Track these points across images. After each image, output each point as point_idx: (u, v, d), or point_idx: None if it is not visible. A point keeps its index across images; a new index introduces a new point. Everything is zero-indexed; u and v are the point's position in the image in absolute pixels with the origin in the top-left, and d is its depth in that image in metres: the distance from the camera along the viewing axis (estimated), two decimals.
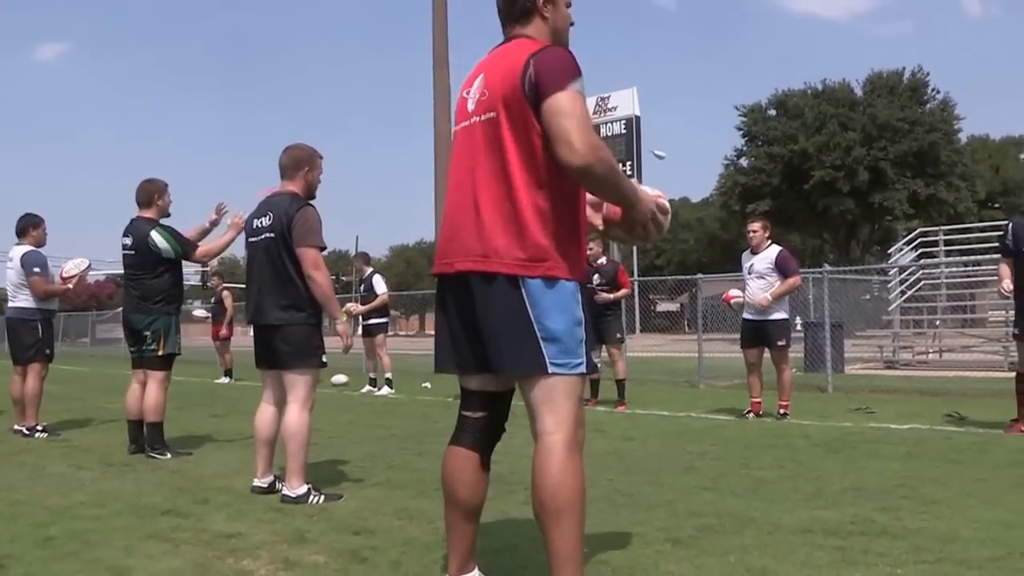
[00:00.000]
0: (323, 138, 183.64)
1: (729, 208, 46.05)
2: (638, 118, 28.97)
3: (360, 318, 13.39)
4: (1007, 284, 7.59)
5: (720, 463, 6.28)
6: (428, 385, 14.20)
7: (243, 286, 5.84)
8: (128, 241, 6.94)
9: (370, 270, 13.63)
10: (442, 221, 3.09)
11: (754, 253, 9.21)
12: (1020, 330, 7.61)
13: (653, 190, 3.13)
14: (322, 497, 5.02)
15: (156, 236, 6.82)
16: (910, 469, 5.88)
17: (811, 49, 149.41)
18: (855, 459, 6.37)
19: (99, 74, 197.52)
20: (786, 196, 42.27)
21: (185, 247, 6.93)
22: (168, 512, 4.78)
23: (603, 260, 10.42)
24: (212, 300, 17.22)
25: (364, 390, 13.56)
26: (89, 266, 8.50)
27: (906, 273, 19.84)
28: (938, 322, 19.37)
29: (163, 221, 7.03)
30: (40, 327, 8.30)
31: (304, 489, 5.03)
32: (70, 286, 8.32)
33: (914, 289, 19.82)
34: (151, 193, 7.03)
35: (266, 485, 5.32)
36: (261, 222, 5.27)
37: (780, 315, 9.05)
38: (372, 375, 13.73)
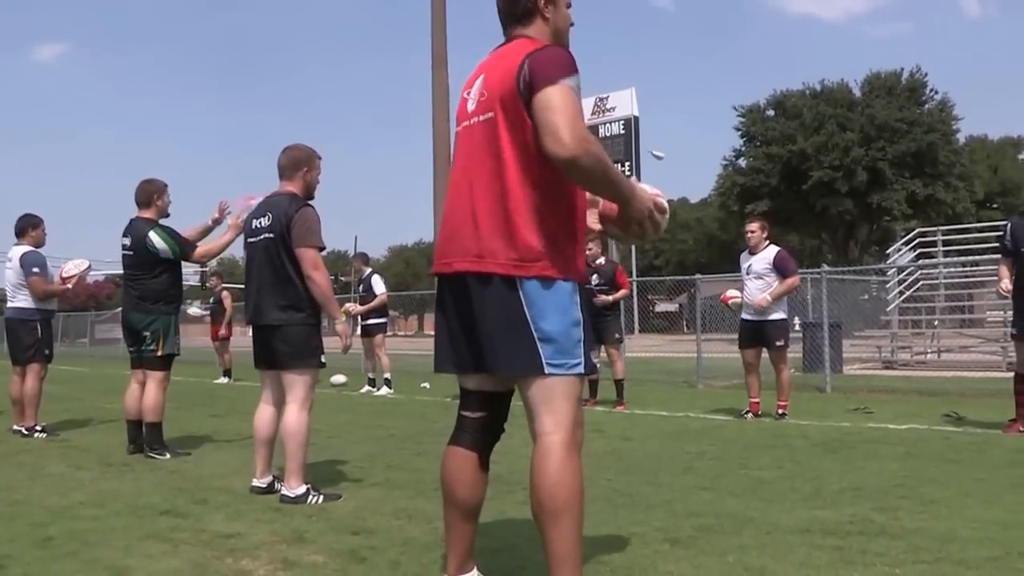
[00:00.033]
0: (322, 138, 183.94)
1: (728, 208, 46.08)
2: (637, 118, 29.03)
3: (359, 318, 13.40)
4: (1005, 284, 7.60)
5: (719, 463, 6.28)
6: (427, 385, 14.20)
7: (242, 286, 5.85)
8: (127, 241, 6.95)
9: (369, 270, 13.64)
10: (441, 221, 3.09)
11: (752, 253, 9.22)
12: (1018, 330, 7.62)
13: (651, 188, 3.11)
14: (321, 497, 5.03)
15: (154, 236, 6.82)
16: (908, 469, 5.89)
17: (809, 50, 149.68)
18: (853, 459, 6.37)
19: (98, 74, 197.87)
20: (784, 196, 42.29)
21: (184, 248, 6.92)
22: (167, 512, 4.79)
23: (602, 260, 10.43)
24: (211, 300, 17.22)
25: (363, 390, 13.56)
26: (89, 267, 8.49)
27: (904, 273, 19.85)
28: (936, 322, 19.38)
29: (162, 221, 7.02)
30: (39, 327, 8.30)
31: (303, 489, 5.04)
32: (69, 286, 8.32)
33: (912, 289, 19.82)
34: (150, 193, 7.03)
35: (265, 485, 5.32)
36: (260, 222, 5.27)
37: (779, 315, 9.05)
38: (371, 375, 13.74)
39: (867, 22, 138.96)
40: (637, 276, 37.70)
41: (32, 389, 8.24)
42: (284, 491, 5.07)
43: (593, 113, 29.33)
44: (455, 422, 3.12)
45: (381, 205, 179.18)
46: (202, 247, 7.05)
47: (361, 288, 13.57)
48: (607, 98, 29.57)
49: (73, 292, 8.76)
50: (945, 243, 22.16)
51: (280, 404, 5.32)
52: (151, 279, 6.88)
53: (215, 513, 4.77)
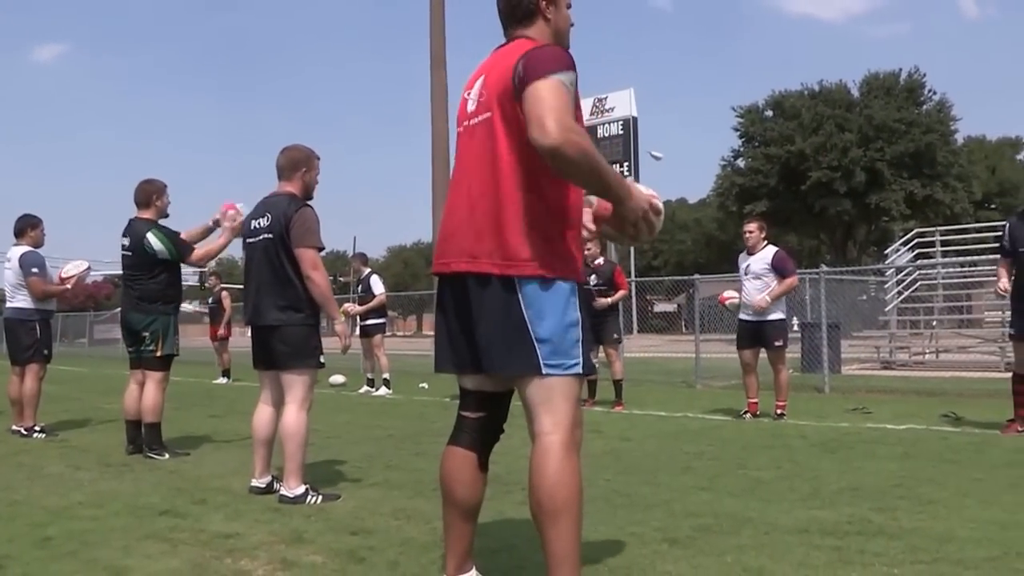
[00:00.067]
0: (321, 139, 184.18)
1: (726, 209, 46.15)
2: (635, 119, 29.04)
3: (358, 319, 13.41)
4: (1003, 283, 7.61)
5: (717, 463, 6.29)
6: (425, 385, 14.21)
7: (241, 287, 5.85)
8: (126, 242, 6.95)
9: (367, 271, 13.66)
10: (441, 221, 3.10)
11: (750, 254, 9.22)
12: (1017, 330, 7.62)
13: (646, 189, 3.07)
14: (320, 497, 5.03)
15: (152, 237, 6.82)
16: (907, 469, 5.89)
17: (808, 50, 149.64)
18: (852, 459, 6.38)
19: (98, 75, 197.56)
20: (783, 197, 42.35)
21: (181, 249, 6.91)
22: (166, 512, 4.79)
23: (600, 261, 10.43)
24: (210, 300, 17.22)
25: (362, 390, 13.56)
26: (88, 269, 8.49)
27: (903, 274, 19.86)
28: (935, 323, 19.39)
29: (161, 222, 7.02)
30: (38, 328, 8.29)
31: (302, 489, 5.04)
32: (68, 286, 8.32)
33: (911, 290, 19.84)
34: (149, 194, 7.03)
35: (264, 485, 5.32)
36: (259, 223, 5.28)
37: (777, 315, 9.06)
38: (370, 375, 13.74)
39: (865, 22, 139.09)
40: (636, 276, 37.75)
41: (31, 389, 8.24)
42: (283, 491, 5.07)
43: (592, 114, 29.34)
44: (454, 422, 3.13)
45: (380, 206, 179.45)
46: (199, 250, 7.04)
47: (360, 288, 13.58)
48: (605, 99, 29.57)
49: (72, 292, 8.76)
50: (943, 243, 22.18)
51: (279, 404, 5.32)
52: (150, 279, 6.88)
53: (214, 513, 4.77)
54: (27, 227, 8.37)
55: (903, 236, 23.70)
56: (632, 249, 44.70)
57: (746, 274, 9.16)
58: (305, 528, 4.38)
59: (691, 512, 4.62)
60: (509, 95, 2.76)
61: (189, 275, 36.25)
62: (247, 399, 9.26)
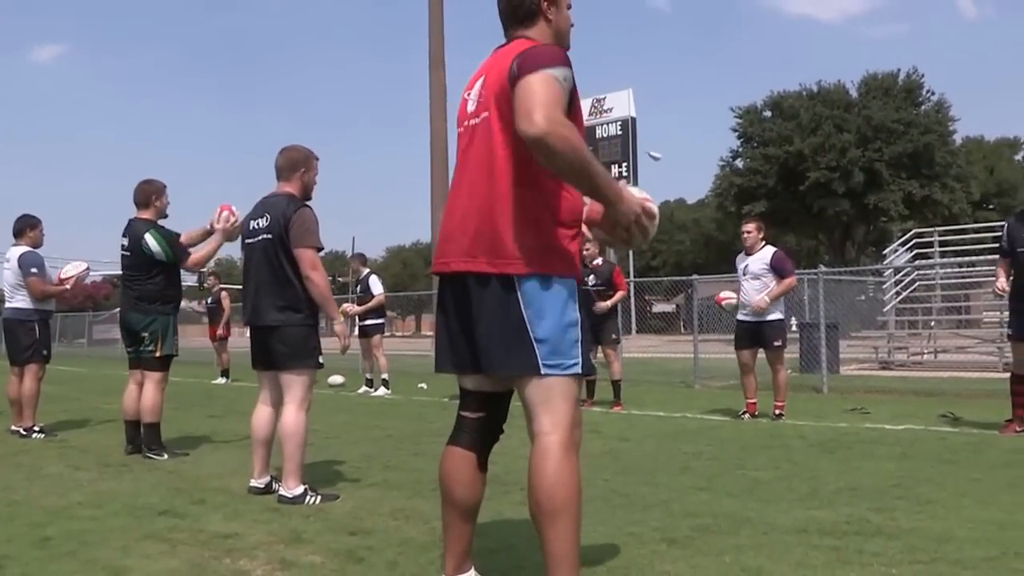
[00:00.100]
0: (320, 139, 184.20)
1: (725, 209, 46.26)
2: (634, 119, 29.06)
3: (356, 319, 13.41)
4: (1001, 283, 7.63)
5: (716, 463, 6.30)
6: (424, 386, 14.21)
7: (240, 287, 5.85)
8: (125, 242, 6.95)
9: (366, 271, 13.67)
10: (441, 221, 3.10)
11: (748, 254, 9.23)
12: (1015, 331, 7.64)
13: (640, 193, 3.00)
14: (319, 497, 5.03)
15: (150, 239, 6.81)
16: (905, 469, 5.90)
17: (806, 51, 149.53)
18: (850, 459, 6.39)
19: (98, 75, 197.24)
20: (781, 197, 42.43)
21: (178, 253, 6.89)
22: (165, 512, 4.79)
23: (599, 261, 10.43)
24: (209, 300, 17.22)
25: (361, 391, 13.56)
26: (87, 269, 8.50)
27: (901, 274, 19.87)
28: (933, 323, 19.39)
29: (161, 222, 7.03)
30: (37, 328, 8.29)
31: (301, 489, 5.04)
32: (68, 287, 8.32)
33: (909, 290, 19.85)
34: (148, 194, 7.03)
35: (263, 485, 5.32)
36: (258, 223, 5.28)
37: (776, 316, 9.06)
38: (369, 376, 13.74)
39: (864, 23, 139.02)
40: (634, 277, 37.77)
41: (30, 389, 8.24)
42: (282, 491, 5.07)
43: (590, 114, 29.35)
44: (454, 422, 3.13)
45: (379, 206, 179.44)
46: (195, 254, 7.02)
47: (359, 288, 13.59)
48: (604, 99, 29.58)
49: (71, 293, 8.76)
50: (942, 244, 22.19)
51: (278, 404, 5.32)
52: (148, 280, 6.88)
53: (213, 513, 4.77)
54: (26, 227, 8.37)
55: (901, 236, 23.73)
56: (631, 250, 44.68)
57: (744, 274, 9.17)
58: (304, 528, 4.38)
59: (689, 512, 4.62)
60: (506, 94, 2.76)
61: (188, 275, 36.25)
62: (246, 399, 9.26)
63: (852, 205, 41.23)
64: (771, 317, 8.99)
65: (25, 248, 8.26)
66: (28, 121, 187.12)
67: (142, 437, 6.87)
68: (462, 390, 3.12)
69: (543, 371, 2.78)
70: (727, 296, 9.54)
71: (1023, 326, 7.51)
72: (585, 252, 9.64)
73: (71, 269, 8.32)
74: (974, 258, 20.42)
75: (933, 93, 43.01)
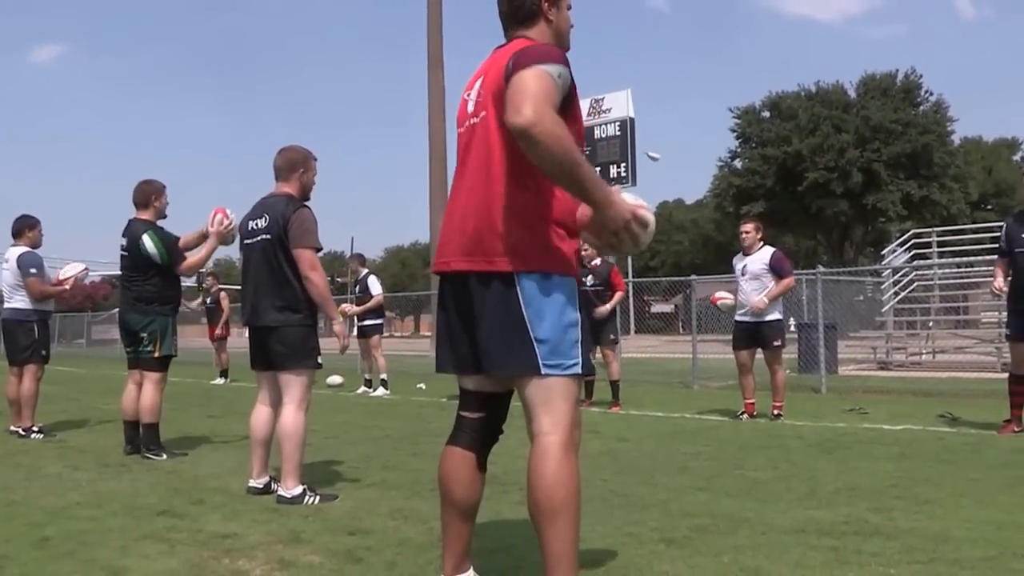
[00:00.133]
0: (319, 140, 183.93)
1: (723, 210, 46.22)
2: (632, 120, 28.97)
3: (355, 319, 13.41)
4: (998, 283, 7.66)
5: (714, 464, 6.30)
6: (423, 386, 14.21)
7: (238, 287, 5.85)
8: (124, 242, 6.95)
9: (365, 271, 13.67)
10: (442, 222, 3.11)
11: (746, 254, 9.24)
12: (1013, 331, 7.66)
13: (633, 199, 2.91)
14: (317, 498, 5.03)
15: (147, 240, 6.81)
16: (903, 469, 5.91)
17: (805, 51, 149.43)
18: (848, 459, 6.39)
19: (97, 76, 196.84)
20: (780, 198, 42.41)
21: (174, 257, 6.87)
22: (164, 512, 4.79)
23: (597, 261, 10.43)
24: (208, 301, 17.21)
25: (359, 391, 13.57)
26: (86, 270, 8.51)
27: (899, 274, 19.88)
28: (931, 323, 19.40)
29: (160, 223, 7.03)
30: (36, 328, 8.29)
31: (300, 490, 5.04)
32: (67, 287, 8.33)
33: (907, 290, 19.86)
34: (148, 194, 7.03)
35: (262, 486, 5.32)
36: (257, 223, 5.28)
37: (775, 316, 9.07)
38: (367, 376, 13.75)
39: (862, 23, 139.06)
40: (633, 277, 37.73)
41: (29, 390, 8.24)
42: (280, 491, 5.07)
43: (589, 115, 29.31)
44: (454, 422, 3.13)
45: (377, 206, 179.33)
46: (189, 259, 7.00)
47: (357, 289, 13.59)
48: (602, 99, 29.49)
49: (70, 293, 8.76)
50: (940, 244, 22.19)
51: (277, 405, 5.32)
52: (147, 281, 6.88)
53: (212, 513, 4.77)
54: (25, 228, 8.37)
55: (900, 237, 23.74)
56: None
57: (743, 274, 9.17)
58: (303, 528, 4.38)
59: (688, 512, 4.63)
60: (503, 93, 2.75)
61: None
62: (245, 400, 9.26)
63: (850, 205, 41.21)
64: (770, 317, 9.00)
65: (24, 248, 8.26)
66: (27, 121, 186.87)
67: (141, 437, 6.87)
68: (462, 390, 3.12)
69: (543, 371, 2.78)
70: (723, 296, 9.54)
71: (1021, 326, 7.53)
72: (583, 252, 9.64)
73: (70, 270, 8.33)
74: (972, 258, 20.44)
75: (931, 94, 43.02)
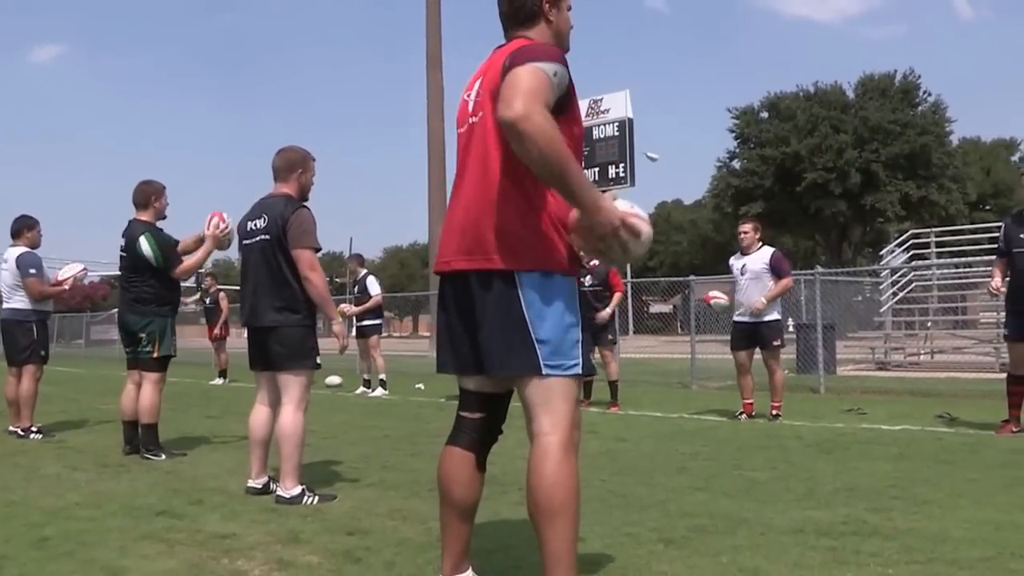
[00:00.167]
0: (318, 140, 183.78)
1: (722, 210, 46.23)
2: (631, 120, 28.96)
3: (354, 319, 13.41)
4: (995, 282, 7.68)
5: (713, 464, 6.31)
6: (421, 386, 14.22)
7: (237, 288, 5.85)
8: (123, 243, 6.95)
9: (364, 271, 13.68)
10: (443, 223, 3.11)
11: (745, 254, 9.24)
12: (1011, 331, 7.67)
13: (627, 207, 2.85)
14: (316, 498, 5.03)
15: (143, 242, 6.80)
16: (901, 470, 5.91)
17: (803, 52, 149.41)
18: (847, 460, 6.40)
19: (96, 76, 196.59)
20: (778, 198, 42.44)
21: (170, 260, 6.85)
22: (163, 513, 4.79)
23: (596, 261, 10.41)
24: (207, 301, 17.21)
25: (358, 391, 13.56)
26: (85, 270, 8.52)
27: (898, 275, 19.91)
28: (930, 323, 19.43)
29: (160, 224, 7.03)
30: (35, 328, 8.29)
31: (298, 490, 5.05)
32: (66, 287, 8.33)
33: (906, 291, 19.88)
34: (148, 195, 7.03)
35: (260, 486, 5.32)
36: (256, 224, 5.28)
37: (773, 316, 9.09)
38: (366, 376, 13.75)
39: (861, 24, 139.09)
40: (631, 277, 37.73)
41: (28, 390, 8.24)
42: (279, 492, 5.07)
43: (587, 115, 29.28)
44: (453, 422, 3.13)
45: (376, 206, 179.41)
46: (185, 262, 6.99)
47: (356, 289, 13.60)
48: (601, 100, 29.47)
49: (69, 293, 8.76)
50: (938, 244, 22.23)
51: (275, 405, 5.32)
52: (145, 282, 6.88)
53: (211, 514, 4.77)
54: (24, 228, 8.38)
55: (898, 237, 23.76)
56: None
57: (743, 274, 9.17)
58: (301, 528, 4.38)
59: (687, 512, 4.63)
60: (499, 91, 2.76)
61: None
62: (244, 400, 9.26)
63: (849, 206, 41.26)
64: (768, 317, 9.01)
65: (23, 249, 8.26)
66: (27, 121, 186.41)
67: (140, 438, 6.87)
68: (462, 391, 3.12)
69: (544, 371, 2.78)
70: (716, 296, 9.52)
71: (1019, 327, 7.54)
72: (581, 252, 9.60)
73: (69, 270, 8.34)
74: (971, 259, 20.47)
75: (930, 94, 43.08)
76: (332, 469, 6.20)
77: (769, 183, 42.32)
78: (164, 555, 3.94)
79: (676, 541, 4.02)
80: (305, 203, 5.38)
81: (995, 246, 8.13)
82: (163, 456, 6.76)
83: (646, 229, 2.85)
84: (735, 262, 9.35)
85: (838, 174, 40.25)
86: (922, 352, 18.71)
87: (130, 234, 6.90)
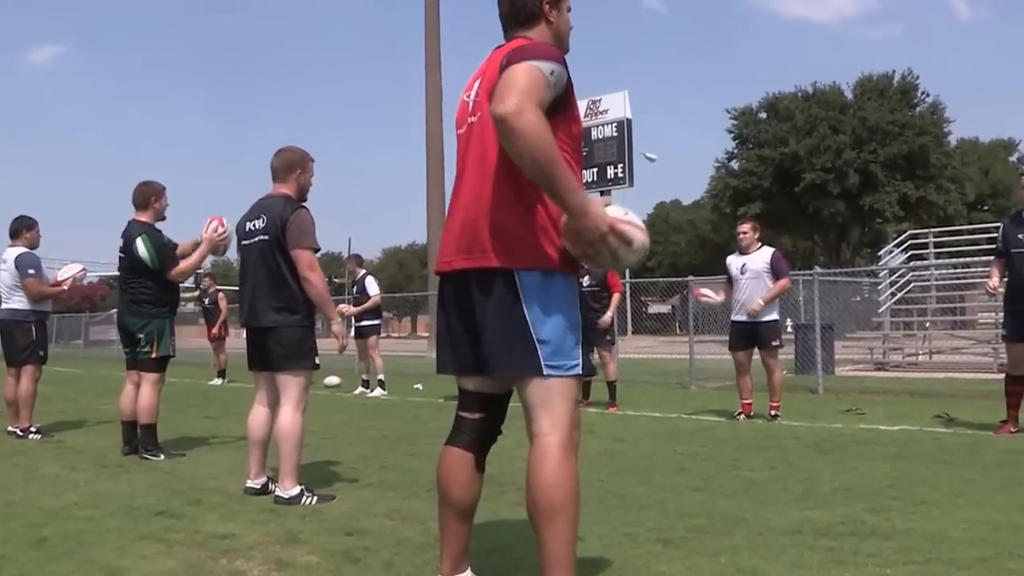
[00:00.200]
0: (317, 140, 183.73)
1: (720, 210, 46.23)
2: (629, 121, 28.99)
3: (352, 320, 13.41)
4: (993, 282, 7.69)
5: (711, 464, 6.31)
6: (420, 386, 14.22)
7: (236, 288, 5.85)
8: (121, 244, 6.95)
9: (363, 272, 13.68)
10: (444, 223, 3.11)
11: (744, 254, 9.24)
12: (1009, 332, 7.68)
13: (624, 215, 2.82)
14: (315, 498, 5.04)
15: (140, 244, 6.80)
16: (900, 470, 5.92)
17: (802, 53, 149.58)
18: (845, 460, 6.40)
19: (95, 76, 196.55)
20: (777, 198, 42.45)
21: (165, 263, 6.83)
22: (162, 513, 4.79)
23: None
24: (206, 302, 17.21)
25: (357, 392, 13.57)
26: (84, 271, 8.52)
27: (896, 275, 19.92)
28: (928, 324, 19.45)
29: (159, 225, 7.03)
30: (34, 329, 8.29)
31: (297, 490, 5.05)
32: (65, 288, 8.34)
33: (904, 291, 19.89)
34: (148, 196, 7.03)
35: (259, 486, 5.33)
36: (254, 224, 5.28)
37: (772, 316, 9.10)
38: (365, 377, 13.75)
39: (859, 25, 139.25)
40: (630, 278, 37.76)
41: (27, 390, 8.24)
42: (278, 492, 5.08)
43: (586, 116, 29.31)
44: (452, 423, 3.13)
45: (375, 207, 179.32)
46: (181, 264, 6.98)
47: (355, 289, 13.60)
48: (599, 101, 29.50)
49: (68, 294, 8.77)
50: (937, 245, 22.24)
51: (274, 405, 5.32)
52: (143, 283, 6.87)
53: (209, 514, 4.78)
54: (22, 228, 8.38)
55: (896, 238, 23.79)
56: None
57: (743, 273, 9.15)
58: (300, 529, 4.39)
59: (685, 513, 4.63)
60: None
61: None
62: (242, 400, 9.26)
63: (847, 206, 41.27)
64: (767, 318, 9.02)
65: (22, 249, 8.26)
66: (26, 122, 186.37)
67: (139, 438, 6.88)
68: (461, 391, 3.12)
69: (545, 372, 2.78)
70: (706, 294, 9.48)
71: (1017, 327, 7.55)
72: None
73: (68, 270, 8.35)
74: (969, 259, 20.48)
75: (928, 95, 43.10)
76: (331, 469, 6.20)
77: (767, 183, 42.33)
78: (163, 555, 3.94)
79: (674, 541, 4.02)
80: (304, 203, 5.38)
81: (993, 246, 8.14)
82: (162, 456, 6.76)
83: (639, 237, 2.82)
84: (734, 260, 9.33)
85: (836, 174, 40.27)
86: (920, 352, 18.72)
87: (128, 235, 6.90)
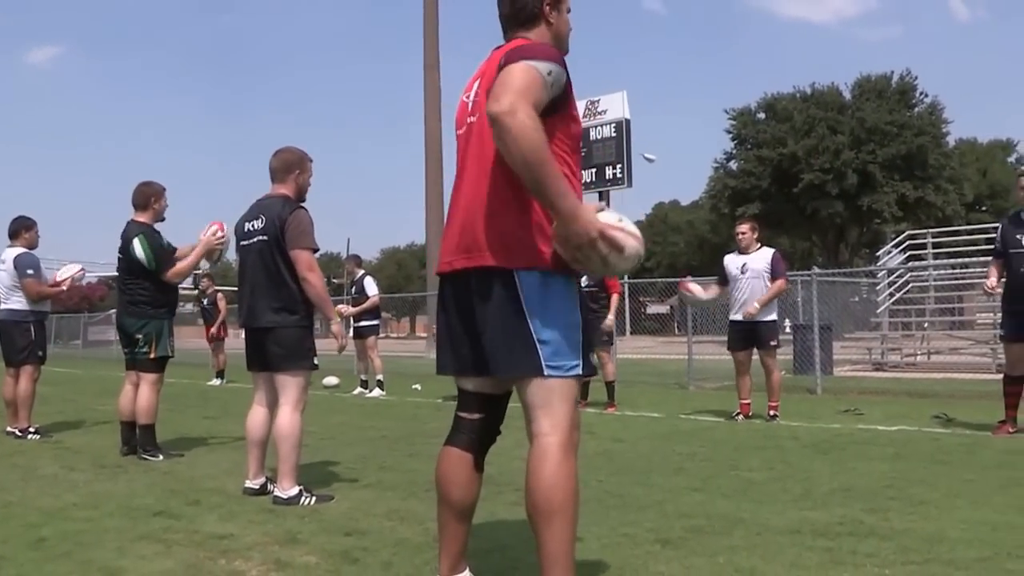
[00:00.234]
0: (316, 141, 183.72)
1: (719, 211, 46.25)
2: (628, 121, 29.03)
3: (351, 320, 13.41)
4: (991, 281, 7.69)
5: (710, 464, 6.31)
6: (418, 387, 14.22)
7: (235, 288, 5.85)
8: (120, 244, 6.95)
9: (361, 272, 13.67)
10: (444, 224, 3.11)
11: (743, 254, 9.23)
12: (1007, 332, 7.69)
13: (616, 220, 2.75)
14: (314, 498, 5.04)
15: (137, 245, 6.79)
16: (898, 470, 5.92)
17: (800, 53, 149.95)
18: (844, 460, 6.41)
19: (94, 77, 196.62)
20: (775, 199, 42.46)
21: (161, 264, 6.81)
22: (160, 513, 4.79)
23: None
24: (205, 302, 17.21)
25: (355, 392, 13.56)
26: (82, 271, 8.52)
27: (894, 275, 19.93)
28: (926, 324, 19.46)
29: (158, 226, 7.03)
30: (33, 329, 8.29)
31: (296, 490, 5.05)
32: (64, 288, 8.34)
33: (903, 291, 19.91)
34: (147, 196, 7.03)
35: (258, 486, 5.33)
36: (253, 225, 5.28)
37: (771, 316, 9.10)
38: (363, 377, 13.74)
39: (857, 25, 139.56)
40: (628, 278, 37.75)
41: (25, 391, 8.24)
42: (277, 492, 5.08)
43: (584, 116, 29.33)
44: (451, 423, 3.13)
45: (374, 207, 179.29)
46: (177, 265, 6.97)
47: (354, 290, 13.60)
48: (598, 101, 29.54)
49: (67, 294, 8.77)
50: (935, 245, 22.25)
51: (273, 406, 5.31)
52: (141, 284, 6.87)
53: (208, 514, 4.77)
54: (21, 229, 8.38)
55: (895, 238, 23.80)
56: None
57: (743, 273, 9.14)
58: (299, 529, 4.39)
59: (683, 513, 4.63)
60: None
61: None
62: (241, 401, 9.26)
63: (846, 207, 41.29)
64: (766, 318, 9.02)
65: (21, 249, 8.27)
66: (24, 122, 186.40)
67: (137, 438, 6.87)
68: (461, 391, 3.12)
69: (546, 372, 2.78)
70: (692, 288, 9.39)
71: (1016, 327, 7.55)
72: None
73: (67, 271, 8.35)
74: (967, 260, 20.49)
75: (926, 95, 43.12)
76: (329, 470, 6.20)
77: (766, 184, 42.35)
78: (161, 555, 3.94)
79: (673, 541, 4.03)
80: (302, 204, 5.38)
81: (992, 247, 8.15)
82: (160, 457, 6.76)
83: (632, 244, 2.75)
84: (733, 260, 9.31)
85: (835, 175, 40.29)
86: (919, 353, 18.73)
87: (126, 236, 6.90)
